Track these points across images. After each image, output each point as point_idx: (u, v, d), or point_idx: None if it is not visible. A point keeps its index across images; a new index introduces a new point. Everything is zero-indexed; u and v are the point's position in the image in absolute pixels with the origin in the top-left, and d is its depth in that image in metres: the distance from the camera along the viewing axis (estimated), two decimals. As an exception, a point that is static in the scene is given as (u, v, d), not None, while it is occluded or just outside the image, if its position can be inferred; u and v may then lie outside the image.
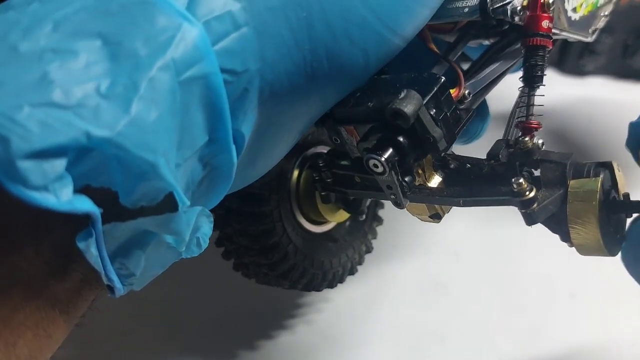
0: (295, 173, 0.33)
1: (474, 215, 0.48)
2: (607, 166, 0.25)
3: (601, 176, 0.24)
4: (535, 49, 0.26)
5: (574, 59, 0.63)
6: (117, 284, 0.19)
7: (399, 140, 0.23)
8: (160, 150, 0.17)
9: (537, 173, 0.25)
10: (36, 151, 0.14)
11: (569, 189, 0.24)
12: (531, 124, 0.26)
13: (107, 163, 0.16)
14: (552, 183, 0.24)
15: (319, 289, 0.37)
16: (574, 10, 0.30)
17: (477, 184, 0.26)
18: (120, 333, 0.40)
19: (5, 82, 0.15)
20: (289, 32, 0.20)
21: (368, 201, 0.36)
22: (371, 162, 0.24)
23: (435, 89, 0.23)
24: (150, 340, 0.40)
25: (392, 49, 0.23)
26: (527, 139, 0.25)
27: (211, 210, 0.22)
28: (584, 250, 0.25)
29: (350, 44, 0.22)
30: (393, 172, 0.24)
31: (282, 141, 0.25)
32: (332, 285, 0.37)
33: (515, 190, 0.23)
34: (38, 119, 0.15)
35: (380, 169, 0.24)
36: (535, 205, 0.23)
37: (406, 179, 0.25)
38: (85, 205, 0.16)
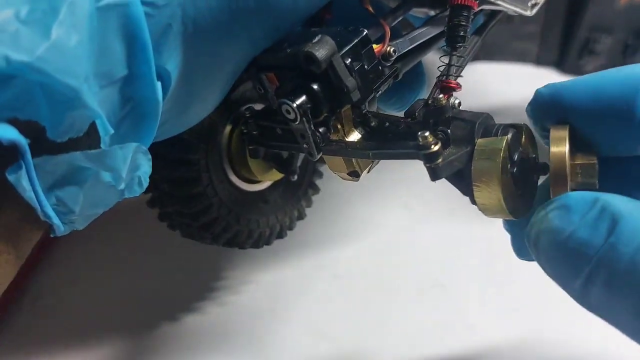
0: (228, 128, 0.33)
1: (474, 215, 0.48)
2: (517, 128, 0.24)
3: (509, 135, 0.23)
4: (459, 9, 0.26)
5: (574, 59, 0.63)
6: (55, 220, 0.19)
7: (313, 88, 0.24)
8: (82, 76, 0.17)
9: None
10: None
11: (475, 147, 0.24)
12: (450, 83, 0.26)
13: (31, 92, 0.16)
14: (460, 140, 0.24)
15: (243, 247, 0.37)
16: None
17: (392, 141, 0.26)
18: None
19: None
20: None
21: (299, 161, 0.36)
22: (284, 107, 0.24)
23: (356, 40, 0.24)
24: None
25: None
26: (441, 96, 0.25)
27: None
28: (487, 210, 0.24)
29: None
30: (305, 120, 0.24)
31: (213, 86, 0.25)
32: (257, 245, 0.37)
33: (420, 143, 0.23)
34: None
35: (292, 116, 0.24)
36: (440, 160, 0.23)
37: (321, 129, 0.26)
38: (10, 133, 0.16)
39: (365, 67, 0.24)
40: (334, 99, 0.24)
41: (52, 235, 0.20)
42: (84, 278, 0.45)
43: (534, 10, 0.33)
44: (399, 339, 0.40)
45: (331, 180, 0.46)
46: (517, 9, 0.32)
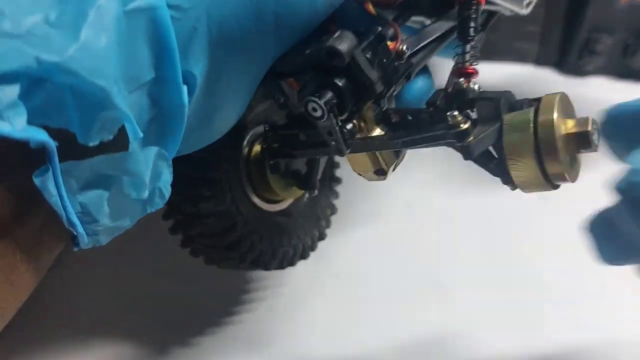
0: (246, 150, 0.34)
1: (474, 214, 0.48)
2: (539, 101, 0.24)
3: (534, 107, 0.24)
4: (468, 3, 0.27)
5: (574, 59, 0.63)
6: (79, 228, 0.19)
7: (337, 83, 0.24)
8: (112, 77, 0.17)
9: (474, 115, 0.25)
10: None
11: (503, 122, 0.24)
12: (468, 68, 0.26)
13: (62, 97, 0.17)
14: (487, 119, 0.25)
15: (267, 268, 0.36)
16: None
17: (419, 129, 0.27)
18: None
19: None
20: None
21: (319, 173, 0.36)
22: (310, 106, 0.24)
23: (372, 36, 0.25)
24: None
25: None
26: (462, 80, 0.26)
27: None
28: (525, 185, 0.25)
29: None
30: (332, 116, 0.25)
31: (237, 94, 0.25)
32: (282, 265, 0.37)
33: (450, 123, 0.24)
34: None
35: (319, 113, 0.24)
36: (471, 138, 0.24)
37: (347, 126, 0.26)
38: (40, 135, 0.16)
39: (384, 61, 0.25)
40: (358, 94, 0.25)
41: (75, 249, 0.19)
42: (83, 278, 0.45)
43: (529, 9, 0.34)
44: (399, 338, 0.40)
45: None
46: (514, 8, 0.32)
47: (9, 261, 0.18)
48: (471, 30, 0.27)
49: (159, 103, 0.20)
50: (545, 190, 0.25)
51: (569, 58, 0.63)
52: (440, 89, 0.27)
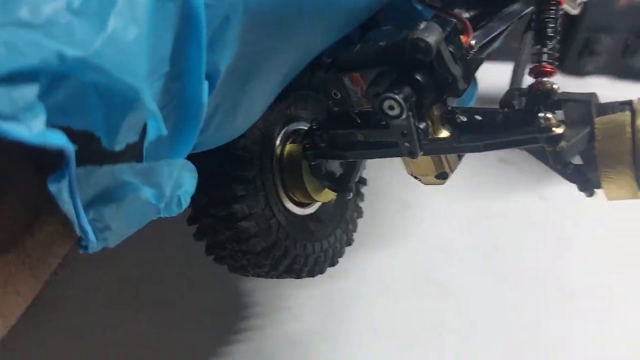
0: (279, 149, 0.31)
1: (474, 215, 0.48)
2: (630, 104, 0.23)
3: (628, 111, 0.22)
4: (548, 4, 0.25)
5: (574, 59, 0.63)
6: (91, 236, 0.17)
7: (416, 79, 0.22)
8: (142, 74, 0.15)
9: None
10: (3, 76, 0.13)
11: (595, 126, 0.22)
12: (546, 67, 0.25)
13: (86, 95, 0.15)
14: (576, 122, 0.23)
15: (299, 275, 0.34)
16: None
17: (501, 131, 0.24)
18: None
19: None
20: None
21: (358, 176, 0.34)
22: (386, 103, 0.22)
23: (449, 29, 0.23)
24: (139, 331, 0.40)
25: None
26: (546, 79, 0.24)
27: None
28: (614, 193, 0.23)
29: None
30: (410, 114, 0.22)
31: (265, 89, 0.23)
32: (313, 273, 0.35)
33: (543, 125, 0.22)
34: (3, 40, 0.13)
35: (396, 111, 0.22)
36: (563, 142, 0.22)
37: (421, 126, 0.24)
38: (58, 139, 0.14)
39: (462, 56, 0.23)
40: (438, 90, 0.23)
41: (81, 252, 0.18)
42: (83, 278, 0.45)
43: (579, 9, 0.32)
44: (398, 338, 0.40)
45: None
46: (568, 7, 0.31)
47: (16, 271, 0.17)
48: (550, 30, 0.25)
49: (175, 98, 0.18)
50: (632, 199, 0.23)
51: (569, 58, 0.63)
52: (513, 89, 0.25)
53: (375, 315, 0.41)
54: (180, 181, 0.19)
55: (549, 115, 0.22)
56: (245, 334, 0.40)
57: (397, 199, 0.50)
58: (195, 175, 0.20)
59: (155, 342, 0.39)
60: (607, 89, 0.62)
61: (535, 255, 0.45)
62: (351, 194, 0.34)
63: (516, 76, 0.27)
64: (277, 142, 0.31)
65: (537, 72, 0.25)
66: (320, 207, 0.35)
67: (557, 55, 0.25)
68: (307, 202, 0.34)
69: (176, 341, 0.40)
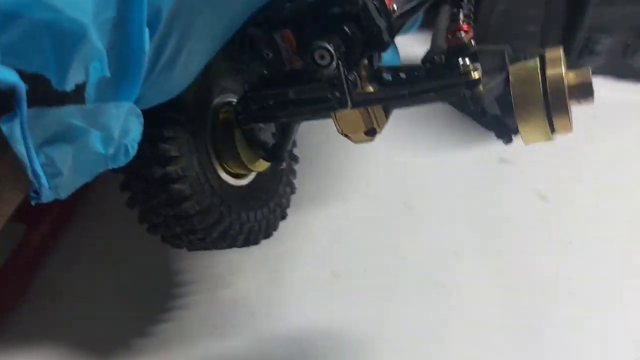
0: (211, 118, 0.33)
1: (473, 215, 0.48)
2: (540, 51, 0.25)
3: (538, 59, 0.25)
4: None
5: (574, 59, 0.63)
6: (43, 180, 0.18)
7: (345, 30, 0.25)
8: (90, 11, 0.16)
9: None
10: None
11: (510, 73, 0.25)
12: (462, 26, 0.27)
13: (38, 35, 0.15)
14: (492, 70, 0.25)
15: (234, 244, 0.36)
16: None
17: (416, 85, 0.27)
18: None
19: None
20: None
21: (289, 144, 0.36)
22: (317, 53, 0.24)
23: None
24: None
25: None
26: (462, 33, 0.26)
27: None
28: (529, 136, 0.25)
29: None
30: (340, 64, 0.25)
31: (200, 44, 0.24)
32: (248, 242, 0.37)
33: (462, 71, 0.24)
34: None
35: (327, 60, 0.25)
36: (481, 87, 0.25)
37: (350, 77, 0.26)
38: (11, 76, 0.15)
39: (388, 13, 0.26)
40: (365, 42, 0.25)
41: (33, 202, 0.18)
42: (82, 279, 0.45)
43: None
44: (398, 338, 0.40)
45: (332, 179, 0.46)
46: None
47: None
48: None
49: (118, 45, 0.19)
50: (546, 141, 0.25)
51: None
52: (434, 47, 0.28)
53: (376, 315, 0.41)
54: (128, 126, 0.20)
55: (467, 60, 0.25)
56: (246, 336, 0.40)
57: (397, 198, 0.50)
58: (142, 120, 0.20)
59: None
60: (607, 89, 0.62)
61: (535, 255, 0.45)
62: (284, 164, 0.36)
63: (435, 41, 0.29)
64: (211, 111, 0.33)
65: (454, 31, 0.27)
66: (254, 179, 0.37)
67: (472, 17, 0.28)
68: (241, 172, 0.35)
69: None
